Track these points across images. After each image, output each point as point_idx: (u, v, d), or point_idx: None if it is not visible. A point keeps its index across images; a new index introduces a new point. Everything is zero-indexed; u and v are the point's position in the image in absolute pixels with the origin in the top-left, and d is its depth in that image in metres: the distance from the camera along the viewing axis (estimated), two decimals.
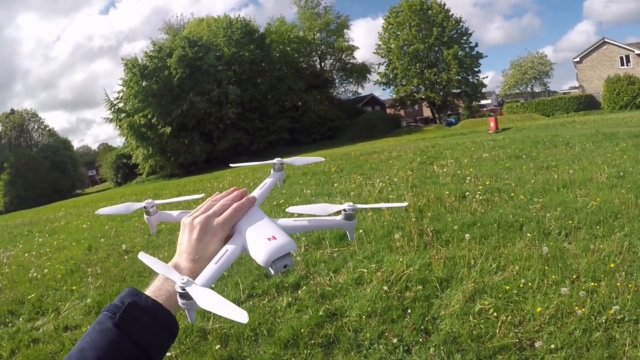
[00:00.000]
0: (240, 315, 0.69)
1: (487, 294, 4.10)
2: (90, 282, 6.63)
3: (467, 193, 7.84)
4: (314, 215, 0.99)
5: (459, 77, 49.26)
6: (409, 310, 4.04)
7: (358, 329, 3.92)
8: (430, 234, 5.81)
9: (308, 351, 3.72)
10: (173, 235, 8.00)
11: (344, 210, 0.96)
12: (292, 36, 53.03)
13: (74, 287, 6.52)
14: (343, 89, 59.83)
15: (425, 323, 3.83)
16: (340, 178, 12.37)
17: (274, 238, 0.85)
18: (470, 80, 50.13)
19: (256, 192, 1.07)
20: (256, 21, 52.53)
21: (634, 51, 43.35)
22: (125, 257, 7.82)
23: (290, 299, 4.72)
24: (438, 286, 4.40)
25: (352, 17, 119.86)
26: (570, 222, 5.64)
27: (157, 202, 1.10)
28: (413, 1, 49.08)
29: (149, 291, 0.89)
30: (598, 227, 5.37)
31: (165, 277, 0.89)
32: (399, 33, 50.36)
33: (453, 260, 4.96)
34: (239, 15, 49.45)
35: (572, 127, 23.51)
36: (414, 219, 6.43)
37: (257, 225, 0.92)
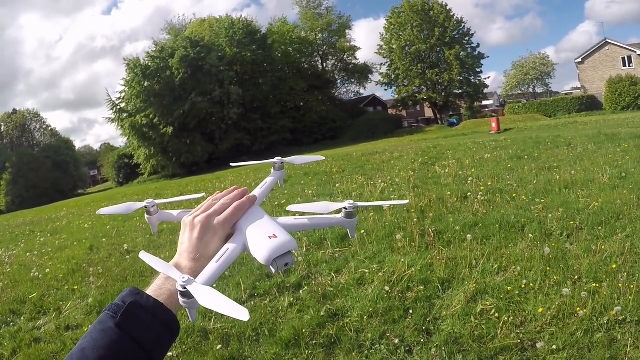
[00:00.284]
0: (241, 313, 0.69)
1: (489, 295, 4.09)
2: (91, 282, 6.64)
3: (469, 194, 7.83)
4: (315, 214, 0.99)
5: (461, 78, 49.26)
6: (411, 311, 4.04)
7: (359, 329, 3.92)
8: (432, 234, 5.81)
9: (309, 351, 3.71)
10: (175, 236, 7.99)
11: (345, 208, 0.96)
12: (294, 37, 53.08)
13: (75, 287, 6.53)
14: (345, 90, 59.98)
15: (427, 323, 3.83)
16: (342, 178, 12.36)
17: (275, 236, 0.85)
18: (472, 80, 50.11)
19: (257, 191, 1.07)
20: (258, 22, 52.66)
21: (636, 52, 43.30)
22: (127, 256, 7.82)
23: (291, 299, 4.72)
24: (440, 287, 4.40)
25: (354, 17, 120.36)
26: (572, 223, 5.63)
27: (157, 201, 1.10)
28: (415, 2, 49.10)
29: (150, 291, 0.89)
30: (600, 228, 5.36)
31: (166, 277, 0.90)
32: (400, 33, 50.35)
33: (455, 260, 4.96)
34: (241, 16, 49.55)
35: (574, 127, 23.50)
36: (415, 220, 6.43)
37: (257, 224, 0.92)
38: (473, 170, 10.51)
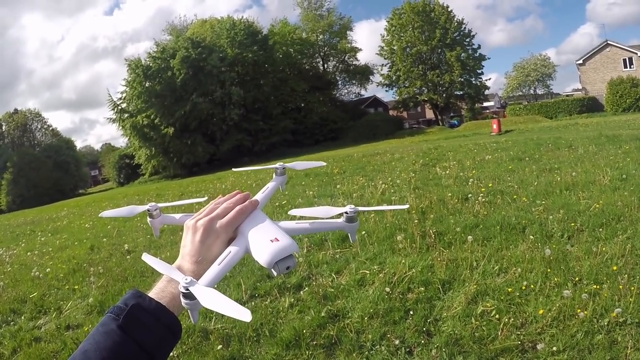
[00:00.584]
0: (243, 314, 0.69)
1: (490, 296, 4.10)
2: (92, 282, 6.64)
3: (470, 195, 7.84)
4: (316, 218, 1.00)
5: (462, 79, 49.24)
6: (411, 312, 4.04)
7: (360, 330, 3.92)
8: (433, 235, 5.81)
9: (310, 352, 3.72)
10: (175, 236, 8.01)
11: (346, 212, 0.96)
12: (295, 38, 53.11)
13: (76, 287, 6.54)
14: (346, 91, 59.96)
15: (427, 325, 3.83)
16: (342, 179, 12.37)
17: (277, 240, 0.85)
18: (473, 82, 50.05)
19: (259, 196, 1.08)
20: (259, 23, 52.74)
21: (637, 53, 43.31)
22: (128, 257, 7.83)
23: (292, 299, 4.72)
24: (440, 288, 4.40)
25: (355, 18, 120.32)
26: (572, 224, 5.63)
27: (160, 205, 1.10)
28: (415, 3, 49.10)
29: (152, 293, 0.89)
30: (601, 229, 5.36)
31: (168, 279, 0.90)
32: (401, 35, 50.33)
33: (455, 262, 4.96)
34: (242, 17, 49.55)
35: (575, 129, 23.48)
36: (416, 221, 6.43)
37: (259, 227, 0.93)
38: (474, 171, 10.51)
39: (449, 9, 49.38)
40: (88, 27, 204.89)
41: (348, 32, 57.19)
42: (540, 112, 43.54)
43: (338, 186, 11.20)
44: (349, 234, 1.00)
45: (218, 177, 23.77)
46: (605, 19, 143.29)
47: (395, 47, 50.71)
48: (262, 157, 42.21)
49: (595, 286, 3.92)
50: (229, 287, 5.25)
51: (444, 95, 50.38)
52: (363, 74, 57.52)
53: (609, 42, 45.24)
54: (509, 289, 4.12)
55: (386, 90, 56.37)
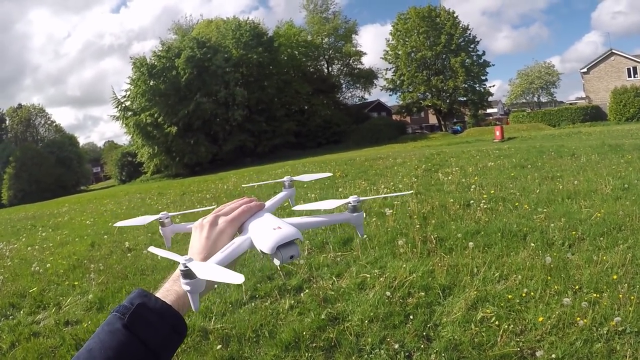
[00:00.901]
0: (236, 278, 0.71)
1: (490, 303, 4.10)
2: (92, 278, 6.66)
3: (472, 201, 7.84)
4: (321, 212, 1.01)
5: (466, 85, 49.11)
6: (411, 317, 4.04)
7: (360, 333, 3.92)
8: (434, 241, 5.82)
9: (309, 354, 3.72)
10: (176, 234, 8.01)
11: (350, 203, 0.97)
12: (300, 40, 53.13)
13: (75, 283, 6.55)
14: (350, 94, 59.93)
15: (427, 329, 3.83)
16: (345, 183, 12.39)
17: (279, 228, 0.87)
18: (477, 88, 49.94)
19: (267, 202, 1.09)
20: (265, 24, 52.69)
21: None
22: (128, 254, 7.85)
23: (292, 301, 4.73)
24: (440, 293, 4.41)
25: (361, 22, 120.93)
26: (574, 233, 5.63)
27: (171, 214, 1.13)
28: (421, 8, 49.09)
29: (158, 293, 0.90)
30: (602, 238, 5.36)
31: (174, 279, 0.92)
32: (406, 40, 50.26)
33: (456, 268, 4.97)
34: (248, 18, 49.70)
35: (578, 137, 23.47)
36: (418, 226, 6.44)
37: (263, 220, 0.95)
38: (476, 178, 10.51)
39: (455, 15, 49.39)
40: (94, 24, 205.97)
41: (353, 36, 57.23)
42: (544, 119, 43.47)
43: (340, 190, 11.22)
44: (356, 228, 1.01)
45: (220, 178, 23.81)
46: (610, 27, 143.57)
47: (400, 52, 50.63)
48: (264, 158, 42.27)
49: (595, 295, 3.93)
50: (229, 288, 5.26)
51: (448, 101, 50.27)
52: (367, 78, 57.55)
53: (613, 51, 45.18)
54: (509, 296, 4.12)
55: (390, 95, 56.75)
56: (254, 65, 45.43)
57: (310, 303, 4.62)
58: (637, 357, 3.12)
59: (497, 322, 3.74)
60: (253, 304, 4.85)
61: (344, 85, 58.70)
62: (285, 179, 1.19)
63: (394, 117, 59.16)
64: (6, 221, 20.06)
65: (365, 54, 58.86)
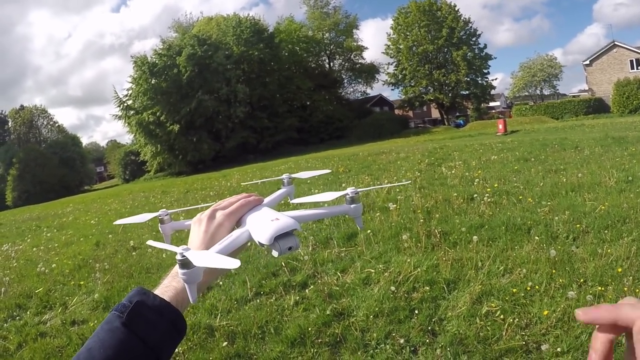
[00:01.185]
0: (232, 263, 0.71)
1: (494, 297, 4.10)
2: (97, 278, 6.68)
3: (475, 195, 7.83)
4: (319, 205, 1.01)
5: (468, 79, 49.03)
6: (416, 311, 4.05)
7: (365, 328, 3.93)
8: (438, 235, 5.82)
9: (315, 350, 3.73)
10: (179, 233, 8.03)
11: (347, 194, 0.98)
12: (301, 36, 53.05)
13: (81, 282, 6.58)
14: (352, 89, 59.83)
15: (432, 324, 3.84)
16: (348, 178, 12.38)
17: (277, 219, 0.86)
18: (479, 82, 49.86)
19: (266, 198, 1.09)
20: (266, 20, 52.49)
21: None
22: (133, 253, 7.87)
23: (297, 297, 4.74)
24: (445, 288, 4.41)
25: (362, 17, 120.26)
26: (578, 226, 5.62)
27: (170, 211, 1.13)
28: (421, 2, 48.92)
29: (156, 290, 0.90)
30: (606, 231, 5.35)
31: (172, 276, 0.92)
32: (408, 34, 50.16)
33: (460, 262, 4.97)
34: (249, 14, 49.50)
35: (581, 130, 23.39)
36: (422, 221, 6.44)
37: (261, 212, 0.96)
38: (479, 171, 10.50)
39: (456, 8, 49.21)
40: (95, 24, 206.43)
41: (354, 31, 57.09)
42: (547, 112, 43.33)
43: (343, 185, 11.22)
44: (355, 220, 1.01)
45: (223, 175, 23.82)
46: (612, 19, 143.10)
47: (401, 46, 50.53)
48: (267, 154, 42.25)
49: (600, 288, 3.93)
50: (234, 285, 5.28)
51: (450, 94, 50.18)
52: (369, 72, 57.44)
53: (616, 42, 44.94)
54: (514, 290, 4.12)
55: (392, 89, 56.26)
56: (255, 61, 45.36)
57: (315, 299, 4.63)
58: None
59: (502, 316, 3.74)
60: (258, 300, 4.86)
61: (345, 81, 58.61)
62: (284, 176, 1.19)
63: (396, 111, 58.98)
64: (11, 222, 20.13)
65: (366, 48, 58.88)
